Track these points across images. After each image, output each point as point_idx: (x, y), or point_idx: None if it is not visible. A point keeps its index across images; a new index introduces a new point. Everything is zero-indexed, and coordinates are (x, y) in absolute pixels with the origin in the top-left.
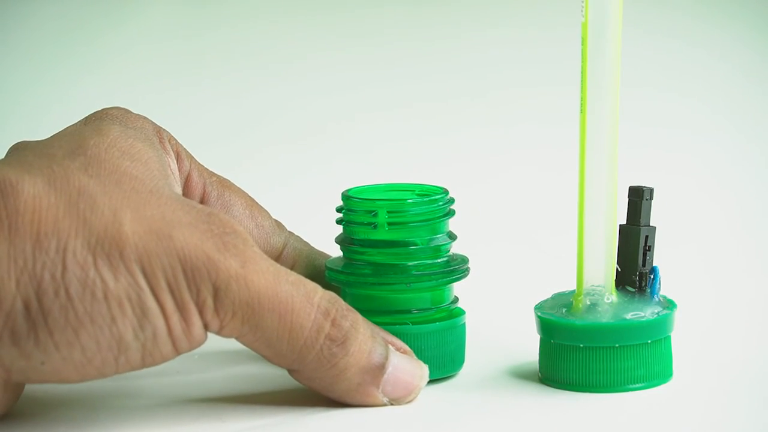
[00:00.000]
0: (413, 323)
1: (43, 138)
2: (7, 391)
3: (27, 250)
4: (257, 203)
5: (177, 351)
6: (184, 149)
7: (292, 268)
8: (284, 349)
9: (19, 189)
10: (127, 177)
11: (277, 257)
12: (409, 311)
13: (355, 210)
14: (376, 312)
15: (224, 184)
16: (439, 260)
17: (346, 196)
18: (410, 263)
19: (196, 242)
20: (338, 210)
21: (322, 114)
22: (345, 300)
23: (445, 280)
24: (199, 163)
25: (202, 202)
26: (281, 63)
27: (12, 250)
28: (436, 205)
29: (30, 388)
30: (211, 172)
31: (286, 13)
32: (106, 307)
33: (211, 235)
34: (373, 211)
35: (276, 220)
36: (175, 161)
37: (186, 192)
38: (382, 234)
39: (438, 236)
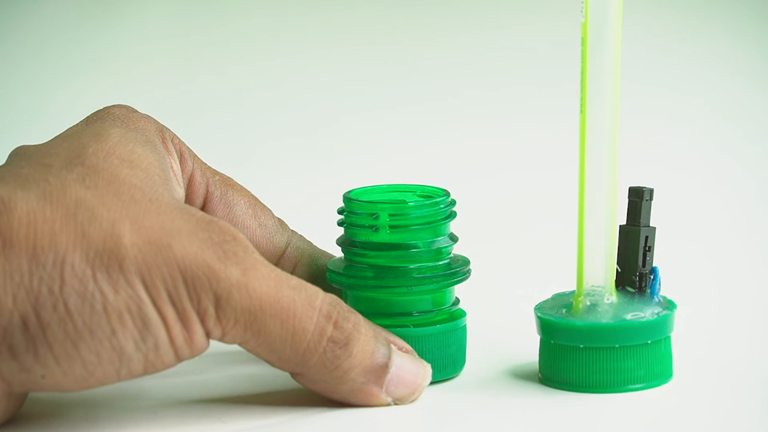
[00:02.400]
0: (414, 326)
1: (45, 138)
2: (10, 401)
3: (23, 266)
4: (260, 202)
5: (179, 359)
6: (188, 148)
7: (294, 268)
8: (287, 353)
9: (11, 206)
10: (126, 186)
11: (280, 256)
12: (410, 314)
13: (356, 212)
14: (377, 314)
15: (227, 183)
16: (440, 263)
17: (347, 199)
18: (412, 266)
19: (196, 251)
20: (339, 212)
21: (323, 113)
22: (346, 302)
23: (446, 282)
24: (202, 162)
25: (205, 201)
26: (284, 61)
27: (8, 266)
28: (437, 207)
29: None
30: (214, 171)
31: (290, 11)
32: (106, 320)
33: (211, 244)
34: (375, 214)
35: (279, 219)
36: (177, 162)
37: (189, 192)
38: (384, 237)
39: (439, 239)
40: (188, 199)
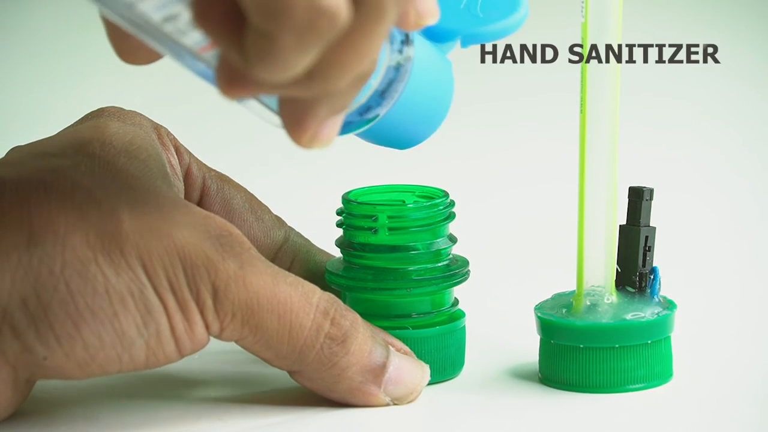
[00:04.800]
0: (413, 327)
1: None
2: (16, 390)
3: (21, 246)
4: (257, 198)
5: (180, 352)
6: (182, 144)
7: (291, 263)
8: (285, 349)
9: (1, 189)
10: (124, 175)
11: (277, 251)
12: (409, 315)
13: (355, 214)
14: (376, 316)
15: (223, 178)
16: (439, 264)
17: (346, 200)
18: (411, 268)
19: (195, 242)
20: (338, 213)
21: None
22: (345, 303)
23: (445, 284)
24: (197, 159)
25: (201, 195)
26: None
27: (3, 247)
28: (436, 209)
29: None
30: (210, 167)
31: None
32: (108, 302)
33: (209, 236)
34: (374, 216)
35: (276, 215)
36: (174, 155)
37: (186, 186)
38: (383, 238)
39: (438, 240)
40: (185, 193)
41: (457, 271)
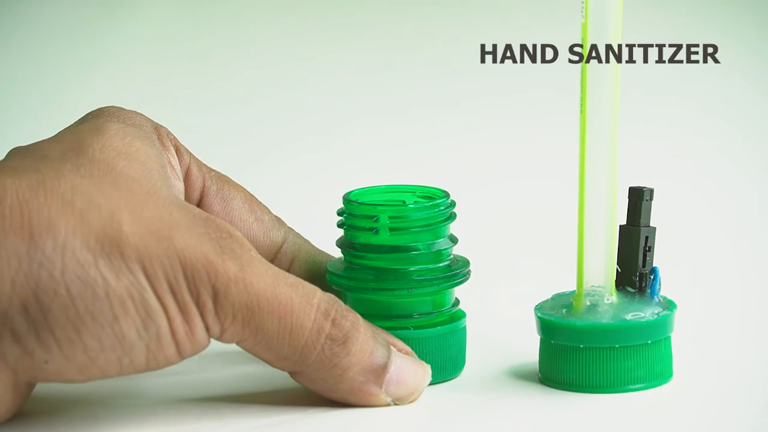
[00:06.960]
0: (414, 328)
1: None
2: (17, 393)
3: (21, 251)
4: (257, 199)
5: (180, 354)
6: (182, 145)
7: (291, 263)
8: (286, 351)
9: (1, 194)
10: (123, 177)
11: (277, 251)
12: (410, 316)
13: (356, 214)
14: (377, 316)
15: (223, 179)
16: (440, 264)
17: (347, 200)
18: (412, 268)
19: (195, 244)
20: (339, 213)
21: (324, 115)
22: (346, 304)
23: (446, 285)
24: (198, 159)
25: (201, 196)
26: (285, 64)
27: (3, 252)
28: (437, 209)
29: None
30: (210, 168)
31: (290, 15)
32: (108, 306)
33: (209, 239)
34: (375, 216)
35: (276, 216)
36: (175, 156)
37: (186, 186)
38: (384, 239)
39: (439, 240)
40: (185, 194)
41: (458, 271)
